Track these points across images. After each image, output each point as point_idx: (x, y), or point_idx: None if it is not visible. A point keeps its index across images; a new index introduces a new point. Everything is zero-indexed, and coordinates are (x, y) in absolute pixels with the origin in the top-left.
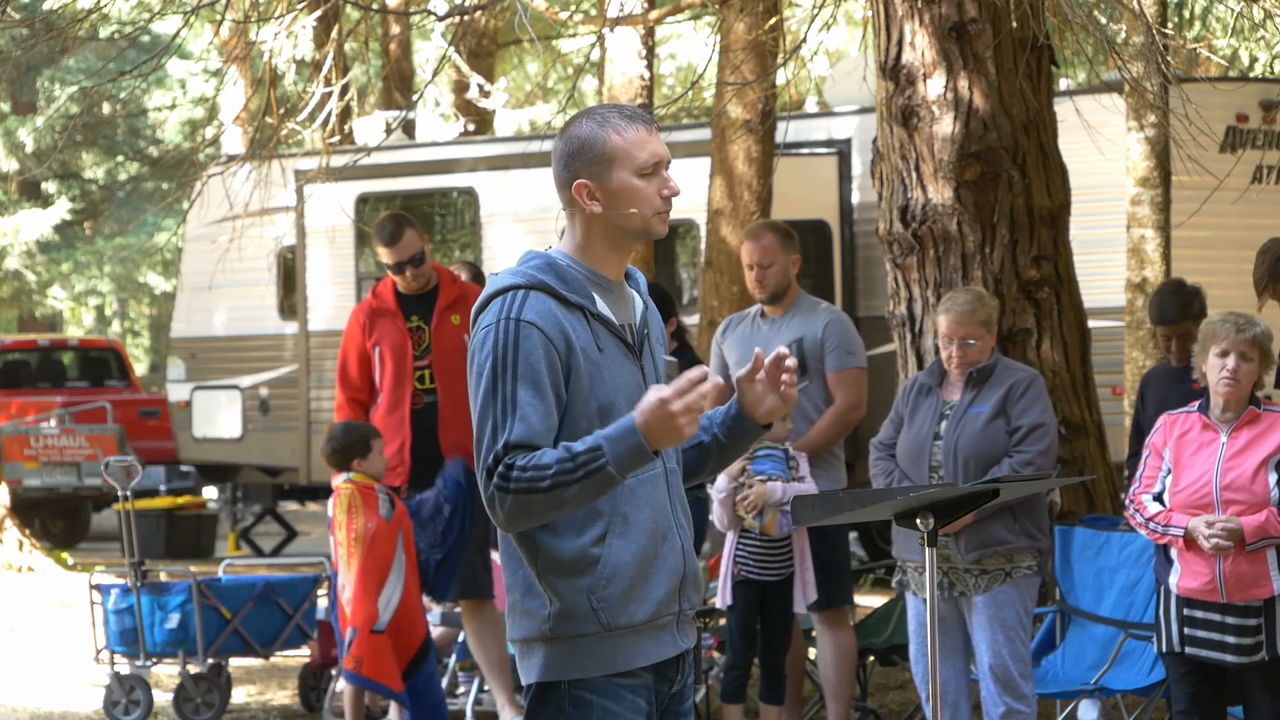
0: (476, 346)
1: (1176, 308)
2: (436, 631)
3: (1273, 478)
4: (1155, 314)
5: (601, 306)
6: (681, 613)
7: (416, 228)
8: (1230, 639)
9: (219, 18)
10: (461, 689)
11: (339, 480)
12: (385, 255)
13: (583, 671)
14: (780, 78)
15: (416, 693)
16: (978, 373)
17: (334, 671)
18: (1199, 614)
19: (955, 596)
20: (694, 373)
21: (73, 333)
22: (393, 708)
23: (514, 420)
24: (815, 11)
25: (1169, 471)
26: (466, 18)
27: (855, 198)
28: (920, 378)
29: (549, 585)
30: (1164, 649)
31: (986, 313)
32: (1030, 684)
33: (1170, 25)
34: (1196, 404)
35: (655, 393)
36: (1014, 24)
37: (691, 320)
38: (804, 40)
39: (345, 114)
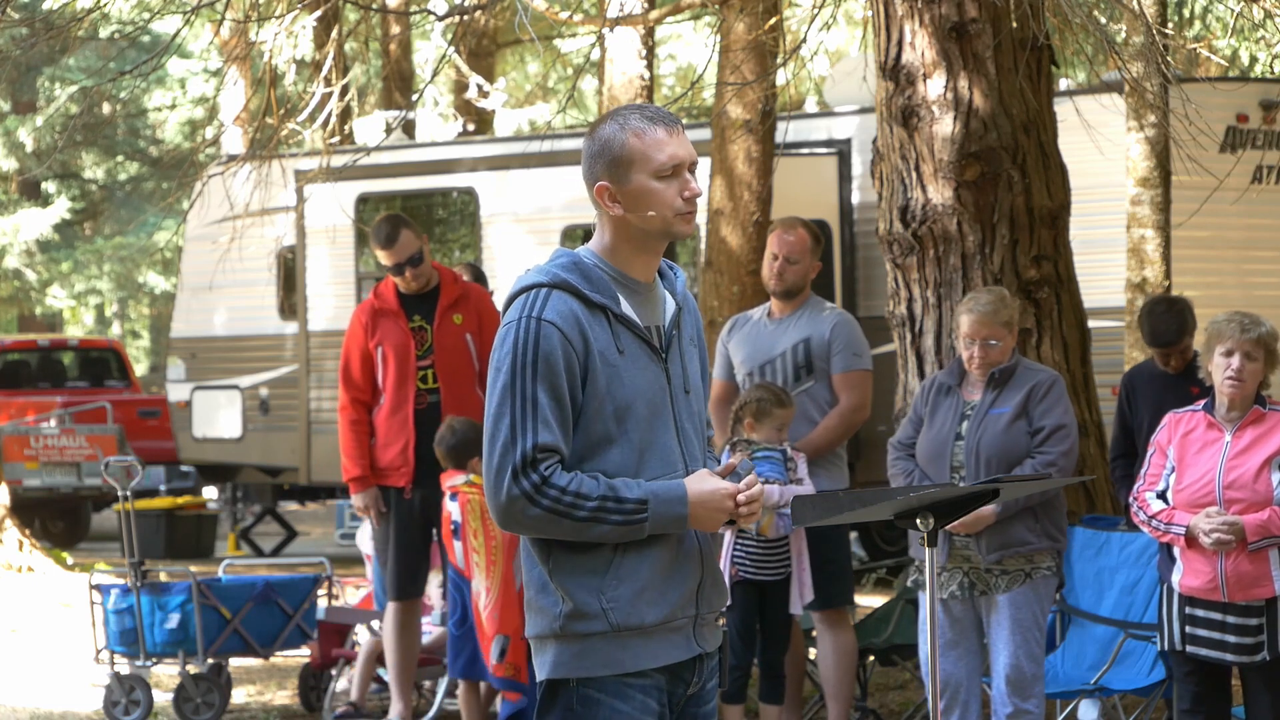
0: (497, 343)
1: (1174, 328)
2: (436, 631)
3: (1276, 477)
4: (1151, 337)
5: (625, 308)
6: (699, 616)
7: (413, 228)
8: (1231, 638)
9: (219, 18)
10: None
11: (458, 482)
12: (383, 257)
13: (590, 670)
14: (780, 78)
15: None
16: (999, 373)
17: (334, 671)
18: (1200, 613)
19: (975, 596)
20: (755, 488)
21: (73, 333)
22: (393, 709)
23: (537, 421)
24: (815, 11)
25: (1173, 469)
26: (466, 18)
27: (855, 198)
28: (940, 377)
29: (560, 584)
30: (1166, 647)
31: (1009, 313)
32: (1041, 685)
33: (1170, 25)
34: (1202, 403)
35: (723, 486)
36: (1014, 24)
37: None
38: (804, 40)
39: (345, 114)
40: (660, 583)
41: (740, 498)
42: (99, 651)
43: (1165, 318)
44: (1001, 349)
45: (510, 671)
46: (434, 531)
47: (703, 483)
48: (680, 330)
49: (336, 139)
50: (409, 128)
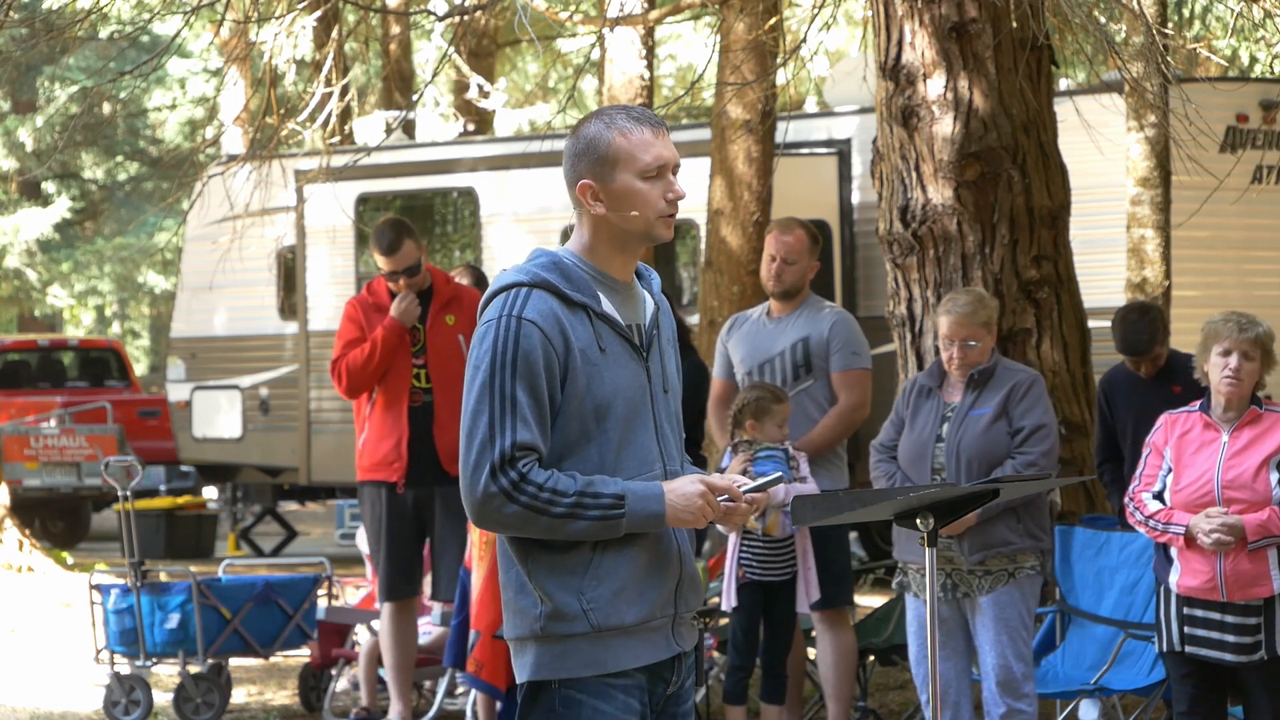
0: (476, 341)
1: (1146, 336)
2: (436, 631)
3: (1274, 476)
4: (1123, 345)
5: (607, 306)
6: (678, 615)
7: (415, 236)
8: (1230, 638)
9: (219, 18)
10: (461, 689)
11: None
12: (382, 263)
13: (572, 671)
14: (780, 78)
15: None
16: (979, 374)
17: (334, 671)
18: (1199, 613)
19: (959, 598)
20: (743, 499)
21: (73, 333)
22: (393, 709)
23: (515, 420)
24: (815, 11)
25: (1169, 470)
26: (466, 18)
27: (855, 198)
28: (920, 379)
29: (539, 585)
30: (1164, 648)
31: (987, 314)
32: (1032, 684)
33: (1170, 25)
34: (1198, 403)
35: (700, 485)
36: (1014, 24)
37: (691, 320)
38: (804, 40)
39: (345, 114)
40: (639, 582)
41: (723, 495)
42: (99, 651)
43: (1138, 326)
44: (980, 349)
45: (475, 668)
46: (427, 532)
47: (680, 482)
48: (660, 330)
49: (336, 139)
50: (409, 128)
